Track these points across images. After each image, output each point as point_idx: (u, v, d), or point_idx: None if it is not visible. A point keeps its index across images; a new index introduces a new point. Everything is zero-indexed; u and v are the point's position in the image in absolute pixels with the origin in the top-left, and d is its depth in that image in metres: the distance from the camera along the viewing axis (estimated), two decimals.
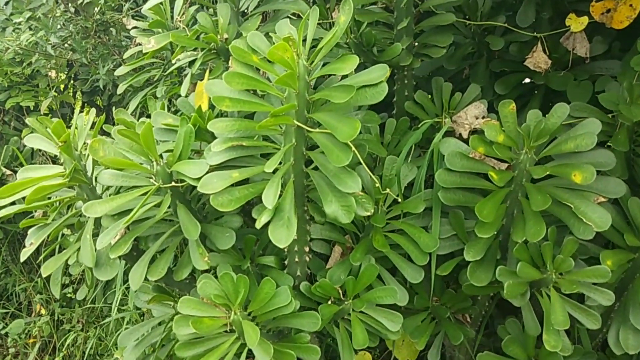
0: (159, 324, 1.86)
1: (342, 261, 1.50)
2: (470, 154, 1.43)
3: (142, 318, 2.48)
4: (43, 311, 3.03)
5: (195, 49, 1.61)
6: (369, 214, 1.28)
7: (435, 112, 1.71)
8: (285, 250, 1.47)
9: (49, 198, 1.54)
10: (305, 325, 1.35)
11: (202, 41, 1.50)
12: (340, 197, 1.23)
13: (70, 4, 2.47)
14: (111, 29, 2.55)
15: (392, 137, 1.69)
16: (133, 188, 1.42)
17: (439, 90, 1.72)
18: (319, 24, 1.48)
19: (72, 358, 2.83)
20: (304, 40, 1.23)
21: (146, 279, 1.44)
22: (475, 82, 1.78)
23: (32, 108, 3.01)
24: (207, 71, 1.56)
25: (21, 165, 2.88)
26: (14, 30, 2.52)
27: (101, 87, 2.57)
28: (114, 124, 1.73)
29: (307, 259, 1.48)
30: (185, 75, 2.01)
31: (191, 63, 1.62)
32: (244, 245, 1.55)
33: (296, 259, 1.46)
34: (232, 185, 1.27)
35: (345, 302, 1.43)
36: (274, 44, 1.28)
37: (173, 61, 1.61)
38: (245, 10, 1.72)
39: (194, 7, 1.97)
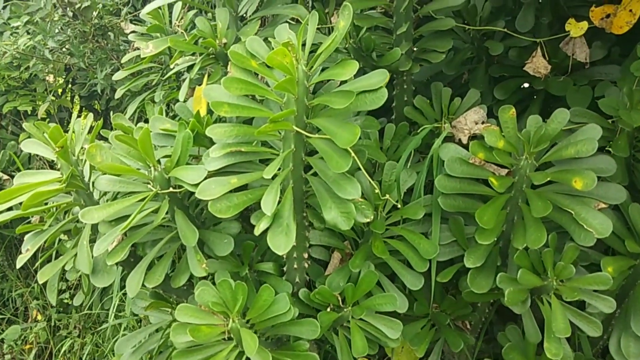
0: (157, 330, 1.84)
1: (341, 267, 1.49)
2: (470, 160, 1.42)
3: (139, 324, 2.46)
4: (39, 317, 3.00)
5: (193, 54, 1.60)
6: (368, 220, 1.27)
7: (434, 117, 1.71)
8: (284, 256, 1.46)
9: (46, 204, 1.53)
10: (304, 333, 1.33)
11: (200, 46, 1.50)
12: (340, 203, 1.22)
13: (68, 8, 2.46)
14: (109, 33, 2.54)
15: (392, 142, 1.68)
16: (130, 194, 1.41)
17: (438, 96, 1.71)
18: (317, 28, 1.47)
19: None
20: (303, 45, 1.22)
21: (143, 286, 1.43)
22: (474, 87, 1.78)
23: (29, 112, 3.00)
24: (206, 76, 1.55)
25: (18, 170, 2.87)
26: (11, 35, 2.51)
27: (99, 91, 2.55)
28: (111, 129, 1.72)
29: (306, 265, 1.47)
30: (184, 80, 2.00)
31: (189, 68, 1.61)
32: (243, 251, 1.54)
33: (295, 266, 1.45)
34: (230, 191, 1.26)
35: (345, 309, 1.42)
36: (273, 49, 1.28)
37: (171, 66, 1.60)
38: (244, 15, 1.71)
39: (192, 12, 1.97)
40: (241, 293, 1.28)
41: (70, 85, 3.20)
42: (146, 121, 2.68)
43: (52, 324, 2.95)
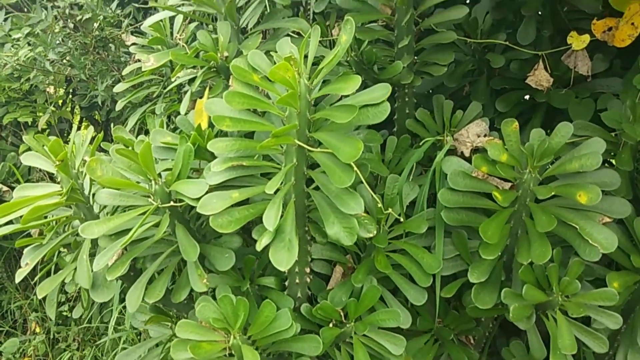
0: (157, 345, 1.82)
1: (343, 282, 1.47)
2: (473, 173, 1.41)
3: (139, 337, 2.44)
4: (38, 329, 2.98)
5: (195, 67, 1.60)
6: (371, 235, 1.25)
7: (436, 129, 1.70)
8: (286, 271, 1.44)
9: (46, 217, 1.52)
10: (306, 349, 1.32)
11: (201, 59, 1.49)
12: (343, 218, 1.21)
13: (69, 20, 2.47)
14: (110, 45, 2.54)
15: (393, 155, 1.67)
16: (131, 207, 1.40)
17: (440, 108, 1.71)
18: (319, 41, 1.47)
19: None
20: (305, 58, 1.22)
21: (143, 301, 1.42)
22: (475, 99, 1.78)
23: (29, 123, 2.99)
24: (207, 89, 1.55)
25: (18, 181, 2.86)
26: (12, 46, 2.51)
27: (99, 103, 2.55)
28: (112, 140, 1.72)
29: (308, 280, 1.46)
30: (185, 92, 2.00)
31: (191, 81, 1.61)
32: (244, 265, 1.52)
33: (297, 280, 1.43)
34: (232, 205, 1.25)
35: (347, 325, 1.40)
36: (274, 62, 1.28)
37: (172, 79, 1.60)
38: (245, 27, 1.71)
39: (193, 24, 1.97)
40: (242, 309, 1.26)
41: (70, 97, 3.21)
42: (146, 132, 2.68)
43: (51, 336, 2.93)
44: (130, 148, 1.60)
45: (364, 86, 1.25)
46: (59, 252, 2.12)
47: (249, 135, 1.46)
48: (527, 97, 1.84)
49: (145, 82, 2.15)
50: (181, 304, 1.56)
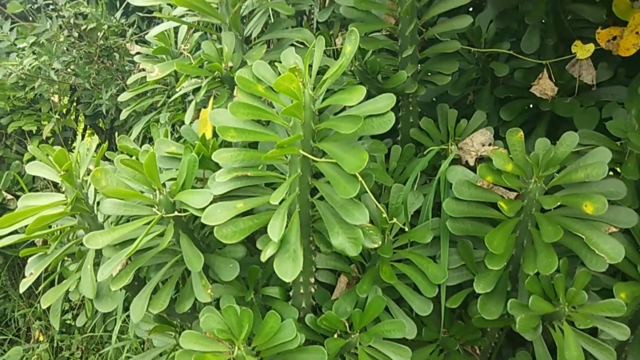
0: (160, 354, 1.82)
1: (348, 292, 1.47)
2: (478, 183, 1.41)
3: (142, 347, 2.43)
4: (42, 338, 2.97)
5: (199, 77, 1.60)
6: (376, 246, 1.25)
7: (440, 138, 1.70)
8: (290, 281, 1.43)
9: (50, 227, 1.52)
10: None
11: (206, 69, 1.50)
12: (347, 229, 1.21)
13: (73, 30, 2.48)
14: (114, 54, 2.55)
15: (398, 164, 1.67)
16: (135, 217, 1.40)
17: (444, 117, 1.70)
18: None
19: None
20: (310, 68, 1.22)
21: (147, 311, 1.41)
22: (480, 108, 1.77)
23: (34, 132, 3.01)
24: (211, 99, 1.55)
25: (22, 189, 2.87)
26: (17, 56, 2.53)
27: (104, 111, 2.56)
28: (116, 148, 1.72)
29: (313, 290, 1.45)
30: (189, 101, 2.00)
31: (195, 90, 1.61)
32: (248, 275, 1.52)
33: (301, 291, 1.43)
34: (236, 215, 1.24)
35: (352, 336, 1.39)
36: (279, 73, 1.28)
37: (177, 89, 1.60)
38: (249, 36, 1.71)
39: (198, 33, 1.98)
40: (247, 320, 1.26)
41: (75, 105, 3.22)
42: (150, 139, 2.68)
43: (55, 345, 2.92)
44: (134, 157, 1.60)
45: (368, 96, 1.25)
46: (63, 261, 2.12)
47: (253, 144, 1.46)
48: (531, 105, 1.84)
49: (149, 90, 2.16)
50: (185, 313, 1.55)
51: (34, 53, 2.52)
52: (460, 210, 1.39)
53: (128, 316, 2.41)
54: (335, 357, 1.41)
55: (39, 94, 2.71)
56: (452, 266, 1.44)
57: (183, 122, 1.66)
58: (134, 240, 1.32)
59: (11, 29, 2.49)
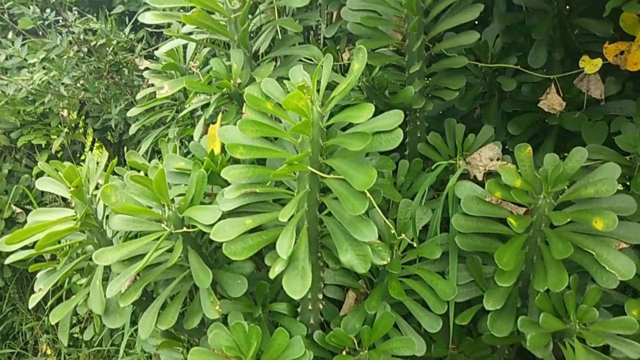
0: None
1: (356, 308, 1.46)
2: (486, 198, 1.40)
3: None
4: (49, 351, 2.98)
5: (208, 93, 1.61)
6: (385, 263, 1.25)
7: (448, 153, 1.70)
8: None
9: (59, 242, 1.52)
10: None
11: (215, 86, 1.51)
12: (356, 245, 1.21)
13: (83, 45, 2.51)
14: (123, 69, 2.58)
15: (405, 178, 1.67)
16: (144, 233, 1.40)
17: (451, 132, 1.70)
18: None
19: None
20: (318, 83, 1.23)
21: (156, 326, 1.41)
22: (487, 122, 1.77)
23: (43, 146, 3.03)
24: (220, 115, 1.56)
25: (31, 203, 2.89)
26: (28, 71, 2.56)
27: (112, 126, 2.58)
28: (124, 162, 1.73)
29: (321, 306, 1.45)
30: (197, 116, 2.02)
31: (204, 107, 1.63)
32: (256, 291, 1.52)
33: (309, 307, 1.42)
34: (245, 232, 1.25)
35: (361, 353, 1.39)
36: (287, 90, 1.29)
37: (186, 106, 1.61)
38: (257, 51, 1.73)
39: (206, 49, 2.00)
40: (255, 337, 1.26)
41: (83, 118, 3.25)
42: (158, 152, 2.70)
43: (62, 358, 2.92)
44: (143, 172, 1.61)
45: (375, 110, 1.25)
46: (71, 275, 2.13)
47: (261, 160, 1.47)
48: (539, 119, 1.83)
49: (158, 105, 2.17)
50: (193, 329, 1.55)
51: (44, 68, 2.55)
52: (468, 226, 1.39)
53: (136, 330, 2.41)
54: None
55: (48, 108, 2.74)
56: (461, 282, 1.43)
57: (191, 137, 1.68)
58: (142, 256, 1.32)
59: (23, 45, 2.52)
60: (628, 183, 1.52)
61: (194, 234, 1.42)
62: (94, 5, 2.98)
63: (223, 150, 1.49)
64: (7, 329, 3.20)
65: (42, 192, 3.01)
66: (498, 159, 1.59)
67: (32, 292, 1.54)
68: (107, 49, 2.51)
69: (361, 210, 1.13)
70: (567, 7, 1.77)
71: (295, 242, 1.21)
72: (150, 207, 1.38)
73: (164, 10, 1.53)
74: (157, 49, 2.44)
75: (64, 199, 2.89)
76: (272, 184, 1.35)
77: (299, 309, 1.47)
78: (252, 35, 1.73)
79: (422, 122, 1.72)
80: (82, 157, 3.42)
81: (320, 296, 1.43)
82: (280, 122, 1.33)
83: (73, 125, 3.10)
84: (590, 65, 1.56)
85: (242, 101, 1.42)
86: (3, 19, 2.61)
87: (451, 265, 1.42)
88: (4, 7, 2.53)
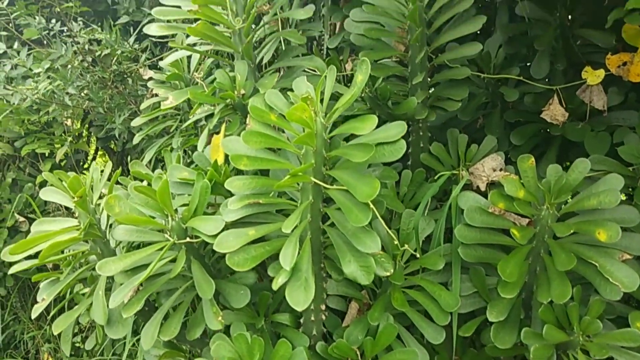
0: None
1: (359, 319, 1.45)
2: (489, 209, 1.40)
3: None
4: None
5: (212, 104, 1.62)
6: (388, 274, 1.25)
7: (451, 163, 1.70)
8: None
9: (62, 252, 1.53)
10: None
11: (219, 97, 1.52)
12: (359, 257, 1.21)
13: (88, 55, 2.53)
14: (128, 78, 2.60)
15: (408, 189, 1.67)
16: (147, 243, 1.40)
17: (454, 142, 1.71)
18: None
19: None
20: (322, 95, 1.23)
21: (158, 337, 1.41)
22: (490, 132, 1.78)
23: (47, 155, 3.04)
24: (224, 125, 1.57)
25: (34, 211, 2.89)
26: (33, 80, 2.57)
27: (116, 135, 2.59)
28: (127, 170, 1.74)
29: (323, 317, 1.44)
30: (201, 126, 2.03)
31: (208, 117, 1.63)
32: (259, 301, 1.51)
33: (312, 318, 1.42)
34: (248, 243, 1.25)
35: None
36: (291, 101, 1.30)
37: (190, 116, 1.62)
38: (260, 61, 1.74)
39: (210, 59, 2.01)
40: (257, 348, 1.25)
41: (87, 126, 3.26)
42: (162, 161, 2.70)
43: None
44: (146, 182, 1.62)
45: (378, 121, 1.26)
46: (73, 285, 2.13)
47: (265, 171, 1.47)
48: (541, 130, 1.84)
49: (161, 115, 2.18)
50: (195, 339, 1.55)
51: (48, 78, 2.57)
52: (472, 236, 1.39)
53: (138, 340, 2.40)
54: None
55: (52, 117, 2.75)
56: (465, 293, 1.43)
57: (195, 147, 1.68)
58: (146, 266, 1.32)
59: (28, 55, 2.54)
60: (631, 194, 1.52)
61: (197, 244, 1.42)
62: (99, 15, 3.00)
63: (227, 160, 1.49)
64: (8, 337, 3.19)
65: (45, 201, 3.01)
66: (501, 170, 1.59)
67: (34, 300, 1.54)
68: (112, 58, 2.53)
69: (364, 222, 1.13)
70: (570, 18, 1.79)
71: (299, 253, 1.21)
72: (154, 217, 1.38)
73: (168, 21, 1.54)
74: (161, 58, 2.46)
75: (67, 208, 2.89)
76: (275, 194, 1.35)
77: (301, 320, 1.47)
78: (255, 45, 1.75)
79: (424, 133, 1.73)
80: (85, 166, 3.43)
81: (323, 307, 1.43)
82: (284, 132, 1.34)
83: (77, 134, 3.11)
84: (592, 76, 1.56)
85: (246, 112, 1.42)
86: (9, 29, 2.63)
87: (454, 276, 1.42)
88: (10, 17, 2.55)
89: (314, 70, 1.66)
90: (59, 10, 2.63)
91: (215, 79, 1.56)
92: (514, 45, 1.86)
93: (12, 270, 1.49)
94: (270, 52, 1.72)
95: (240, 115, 1.55)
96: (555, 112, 1.67)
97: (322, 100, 1.23)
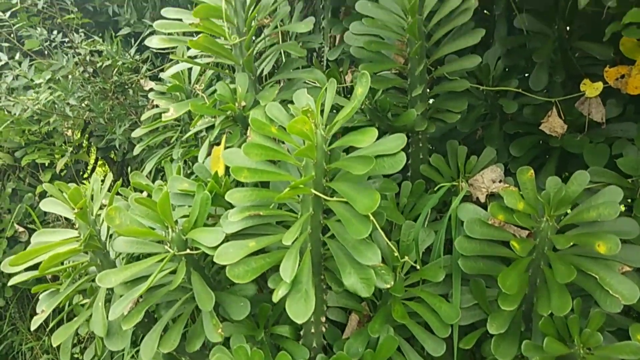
0: None
1: (359, 331, 1.45)
2: (489, 221, 1.40)
3: None
4: None
5: (213, 115, 1.63)
6: (388, 286, 1.25)
7: (450, 175, 1.71)
8: None
9: (62, 263, 1.53)
10: None
11: (219, 109, 1.53)
12: (360, 269, 1.21)
13: (89, 66, 2.54)
14: (129, 89, 2.61)
15: (408, 200, 1.67)
16: (147, 254, 1.40)
17: (454, 154, 1.72)
18: None
19: None
20: (322, 107, 1.24)
21: (157, 349, 1.40)
22: (489, 143, 1.78)
23: (47, 165, 3.05)
24: (224, 137, 1.58)
25: (34, 222, 2.89)
26: (34, 91, 2.58)
27: (117, 146, 2.60)
28: (128, 181, 1.74)
29: (324, 329, 1.44)
30: (202, 137, 2.03)
31: (208, 129, 1.64)
32: (259, 313, 1.51)
33: (312, 330, 1.42)
34: (248, 254, 1.25)
35: None
36: (291, 114, 1.30)
37: (191, 128, 1.63)
38: (261, 73, 1.75)
39: (211, 71, 2.02)
40: None
41: (87, 136, 3.27)
42: (162, 171, 2.71)
43: None
44: (146, 193, 1.62)
45: (378, 133, 1.26)
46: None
47: (265, 182, 1.48)
48: (540, 141, 1.84)
49: (162, 126, 2.19)
50: (195, 352, 1.54)
51: (49, 88, 2.58)
52: (472, 248, 1.39)
53: (137, 351, 2.38)
54: None
55: (53, 128, 2.76)
56: (465, 305, 1.43)
57: (195, 158, 1.69)
58: (146, 277, 1.32)
59: (30, 66, 2.55)
60: (631, 205, 1.53)
61: (197, 255, 1.42)
62: (100, 27, 3.02)
63: (227, 172, 1.50)
64: (6, 348, 3.17)
65: (45, 212, 3.01)
66: (500, 181, 1.59)
67: (33, 311, 1.53)
68: (113, 69, 2.54)
69: (365, 234, 1.13)
70: (568, 30, 1.80)
71: (299, 265, 1.21)
72: (154, 229, 1.39)
73: (170, 34, 1.55)
74: (162, 69, 2.48)
75: (66, 218, 2.89)
76: (275, 206, 1.36)
77: (301, 332, 1.46)
78: (256, 57, 1.76)
79: (424, 144, 1.74)
80: (85, 175, 3.43)
81: (323, 319, 1.43)
82: (284, 144, 1.34)
83: (77, 144, 3.12)
84: (591, 89, 1.57)
85: (247, 124, 1.43)
86: (11, 40, 2.64)
87: (455, 288, 1.42)
88: (12, 28, 2.56)
89: (314, 83, 1.67)
90: (60, 21, 2.65)
91: (215, 90, 1.57)
92: (512, 58, 1.88)
93: (12, 282, 1.49)
94: (270, 64, 1.73)
95: (240, 127, 1.56)
96: (554, 124, 1.68)
97: (322, 113, 1.24)
